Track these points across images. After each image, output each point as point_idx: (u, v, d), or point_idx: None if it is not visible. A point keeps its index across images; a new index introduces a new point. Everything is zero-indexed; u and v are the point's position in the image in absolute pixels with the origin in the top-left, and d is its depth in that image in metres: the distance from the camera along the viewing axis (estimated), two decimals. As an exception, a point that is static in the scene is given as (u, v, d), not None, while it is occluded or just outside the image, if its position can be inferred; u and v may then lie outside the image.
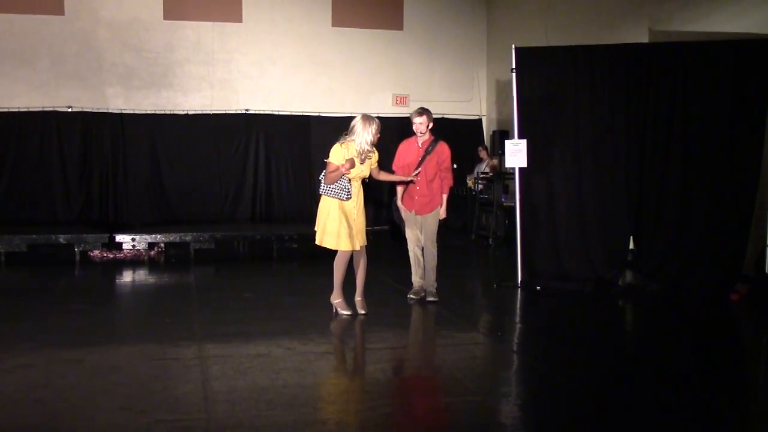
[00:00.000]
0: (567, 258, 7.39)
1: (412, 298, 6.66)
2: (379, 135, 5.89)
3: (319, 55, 12.98)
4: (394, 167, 6.65)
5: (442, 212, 6.58)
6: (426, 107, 6.64)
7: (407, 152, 6.60)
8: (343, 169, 5.72)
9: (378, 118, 5.99)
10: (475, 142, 12.88)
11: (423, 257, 6.65)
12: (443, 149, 6.57)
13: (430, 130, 6.57)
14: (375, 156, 6.03)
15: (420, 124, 6.47)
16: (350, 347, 5.44)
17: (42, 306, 6.59)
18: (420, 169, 6.42)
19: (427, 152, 6.49)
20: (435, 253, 6.61)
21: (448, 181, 6.62)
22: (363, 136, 5.80)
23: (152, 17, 12.26)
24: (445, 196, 6.59)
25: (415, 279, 6.74)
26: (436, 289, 6.66)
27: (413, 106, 13.09)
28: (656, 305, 6.78)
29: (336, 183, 5.82)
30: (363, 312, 6.07)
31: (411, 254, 6.70)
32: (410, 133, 6.66)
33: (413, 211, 6.61)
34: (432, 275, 6.65)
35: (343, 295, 6.08)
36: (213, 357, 4.81)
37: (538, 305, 6.84)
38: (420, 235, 6.62)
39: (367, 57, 13.21)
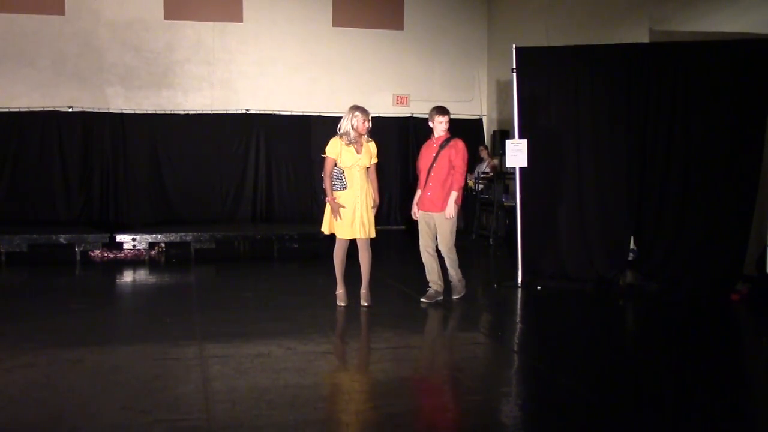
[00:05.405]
0: (567, 258, 7.41)
1: (424, 302, 6.46)
2: (367, 123, 5.97)
3: (320, 55, 12.98)
4: (417, 170, 6.66)
5: (447, 212, 6.31)
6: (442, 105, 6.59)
7: (425, 151, 6.57)
8: (329, 199, 5.98)
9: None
10: (475, 142, 12.84)
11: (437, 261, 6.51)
12: (456, 146, 6.38)
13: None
14: (374, 149, 6.10)
15: (446, 122, 6.42)
16: (351, 347, 5.44)
17: (42, 306, 6.58)
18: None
19: (441, 147, 6.38)
20: (454, 259, 6.45)
21: (457, 179, 6.34)
22: (345, 122, 5.98)
23: (153, 17, 12.27)
24: (453, 194, 6.31)
25: (432, 282, 6.51)
26: (463, 285, 6.61)
27: (414, 106, 12.98)
28: (656, 305, 6.78)
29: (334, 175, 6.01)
30: (365, 304, 6.15)
31: (423, 257, 6.53)
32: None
33: (421, 211, 6.48)
34: (455, 275, 6.54)
35: (344, 286, 6.21)
36: (213, 357, 4.81)
37: (538, 305, 6.83)
38: (430, 241, 6.49)
39: (368, 57, 13.20)
